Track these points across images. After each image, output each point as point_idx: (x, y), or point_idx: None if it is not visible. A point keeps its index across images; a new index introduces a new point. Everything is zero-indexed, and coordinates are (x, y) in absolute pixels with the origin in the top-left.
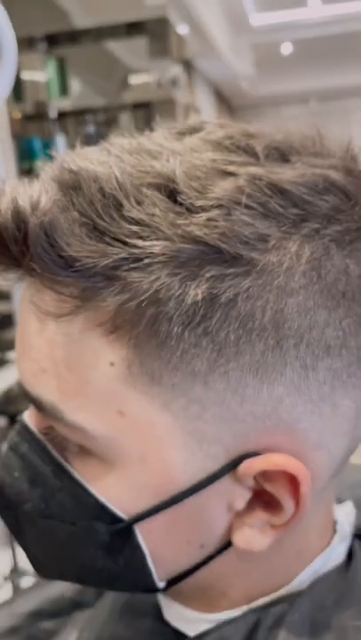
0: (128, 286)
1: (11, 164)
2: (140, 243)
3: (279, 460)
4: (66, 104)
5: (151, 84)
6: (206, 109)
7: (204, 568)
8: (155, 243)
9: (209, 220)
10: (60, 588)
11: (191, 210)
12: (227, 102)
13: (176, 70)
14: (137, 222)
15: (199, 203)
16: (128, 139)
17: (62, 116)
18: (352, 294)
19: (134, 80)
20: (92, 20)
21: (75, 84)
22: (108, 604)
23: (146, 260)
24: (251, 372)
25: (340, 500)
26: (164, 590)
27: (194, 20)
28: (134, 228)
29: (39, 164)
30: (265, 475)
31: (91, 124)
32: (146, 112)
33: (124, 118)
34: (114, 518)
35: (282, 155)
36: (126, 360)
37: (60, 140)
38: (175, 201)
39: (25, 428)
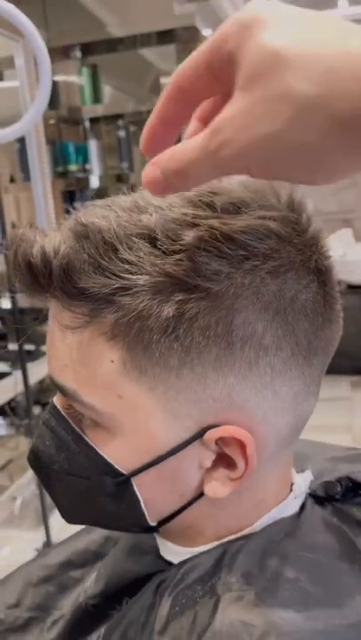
0: (121, 307)
1: (46, 168)
2: (129, 277)
3: (231, 430)
4: (98, 109)
5: None
6: None
7: (185, 512)
8: (140, 277)
9: (178, 260)
10: (86, 543)
11: (166, 253)
12: None
13: None
14: (128, 262)
15: (172, 248)
16: (126, 196)
17: (95, 121)
18: (284, 310)
19: (165, 81)
20: (125, 29)
21: (107, 90)
22: (119, 548)
23: (134, 289)
24: (210, 366)
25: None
26: (157, 530)
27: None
28: (126, 266)
29: (72, 167)
30: (223, 441)
31: (122, 128)
32: None
33: None
34: (117, 473)
35: (236, 208)
36: (122, 359)
37: (93, 145)
38: (155, 246)
39: (54, 408)
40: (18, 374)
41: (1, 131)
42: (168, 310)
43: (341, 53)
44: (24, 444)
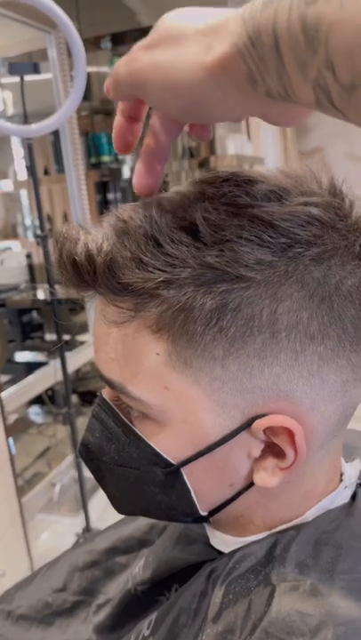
0: (165, 300)
1: (80, 160)
2: (172, 270)
3: (279, 419)
4: None
5: None
6: None
7: (235, 502)
8: (182, 269)
9: (220, 250)
10: (130, 530)
11: (207, 244)
12: None
13: None
14: (170, 255)
15: (213, 239)
16: (168, 192)
17: None
18: (329, 297)
19: None
20: (156, 18)
21: None
22: (167, 536)
23: (176, 282)
24: (255, 356)
25: None
26: (208, 520)
27: None
28: (168, 259)
29: (105, 158)
30: (271, 430)
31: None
32: None
33: None
34: (166, 463)
35: (277, 196)
36: (167, 351)
37: None
38: (196, 238)
39: (103, 401)
40: (54, 364)
41: (37, 125)
42: (211, 302)
43: (219, 18)
44: (62, 432)
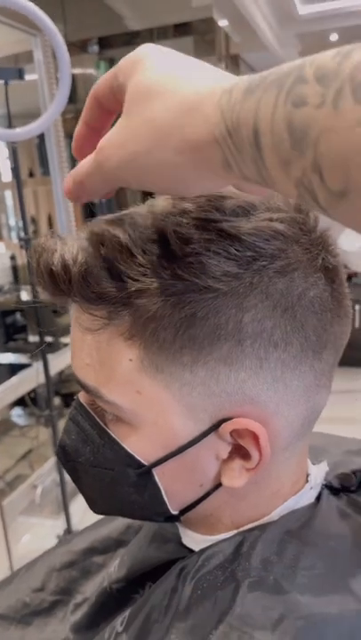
0: (137, 309)
1: (65, 162)
2: (144, 280)
3: (245, 422)
4: None
5: None
6: None
7: (205, 502)
8: (154, 280)
9: (189, 262)
10: (108, 530)
11: (178, 256)
12: None
13: (220, 68)
14: (142, 266)
15: (183, 251)
16: (141, 206)
17: None
18: (292, 307)
19: None
20: (143, 22)
21: None
22: (142, 535)
23: (148, 292)
24: (222, 362)
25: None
26: (179, 519)
27: (239, 14)
28: (140, 270)
29: None
30: (237, 432)
31: None
32: None
33: None
34: (139, 464)
35: (244, 211)
36: (139, 357)
37: None
38: (167, 250)
39: (79, 404)
40: (37, 366)
41: (22, 128)
42: (181, 311)
43: (194, 89)
44: (44, 434)
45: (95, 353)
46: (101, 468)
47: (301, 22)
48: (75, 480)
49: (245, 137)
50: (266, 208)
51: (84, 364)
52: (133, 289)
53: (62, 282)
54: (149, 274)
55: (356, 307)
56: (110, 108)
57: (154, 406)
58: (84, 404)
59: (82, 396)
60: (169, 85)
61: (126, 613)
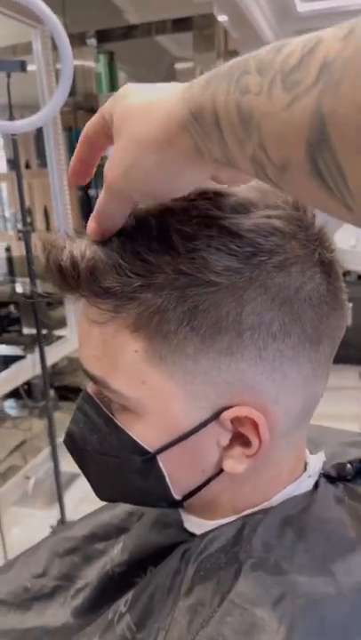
0: (142, 303)
1: (62, 155)
2: (148, 275)
3: (245, 410)
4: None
5: (196, 74)
6: None
7: (207, 487)
8: (158, 275)
9: (191, 259)
10: (108, 517)
11: (181, 253)
12: None
13: (219, 64)
14: (147, 262)
15: (185, 248)
16: (149, 206)
17: None
18: (290, 300)
19: (180, 67)
20: (142, 16)
21: (121, 77)
22: (144, 521)
23: (153, 286)
24: (223, 353)
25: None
26: (182, 505)
27: (239, 10)
28: (146, 266)
29: None
30: (238, 420)
31: None
32: None
33: None
34: (144, 451)
35: (244, 208)
36: (144, 348)
37: None
38: (171, 247)
39: (87, 394)
40: (32, 358)
41: (22, 121)
42: (184, 304)
43: (162, 100)
44: (37, 426)
45: (102, 345)
46: (108, 455)
47: (300, 19)
48: (81, 467)
49: (209, 121)
50: (265, 205)
51: (92, 355)
52: (138, 284)
53: (71, 277)
54: (154, 269)
55: (349, 304)
56: (100, 146)
57: (158, 395)
58: (92, 395)
59: (89, 387)
60: (142, 106)
61: (129, 595)
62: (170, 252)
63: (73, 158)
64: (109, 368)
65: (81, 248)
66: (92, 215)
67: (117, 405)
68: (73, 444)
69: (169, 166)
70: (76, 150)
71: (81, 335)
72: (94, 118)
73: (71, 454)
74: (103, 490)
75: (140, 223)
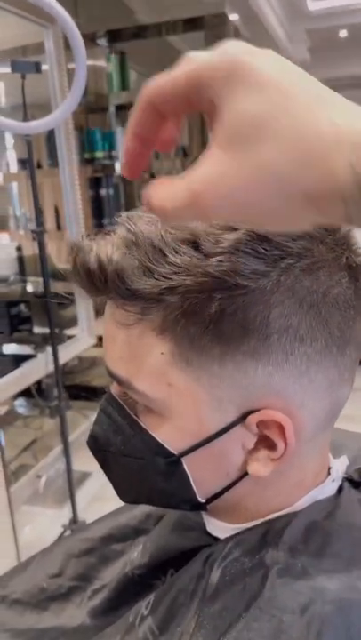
0: (169, 306)
1: (73, 155)
2: (176, 278)
3: (271, 413)
4: (124, 96)
5: None
6: None
7: (231, 491)
8: (185, 278)
9: (219, 261)
10: (126, 519)
11: (208, 255)
12: None
13: None
14: (174, 265)
15: (213, 250)
16: None
17: (121, 108)
18: (317, 304)
19: None
20: (154, 16)
21: (132, 77)
22: (164, 524)
23: (179, 289)
24: (249, 356)
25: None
26: (205, 507)
27: (250, 9)
28: (173, 268)
29: (99, 154)
30: (263, 424)
31: None
32: None
33: None
34: (168, 454)
35: None
36: (170, 350)
37: (119, 132)
38: (198, 250)
39: (110, 396)
40: (42, 357)
41: (36, 122)
42: (211, 307)
43: (317, 134)
44: (48, 425)
45: (128, 346)
46: (132, 457)
47: (311, 18)
48: (105, 469)
49: None
50: None
51: (117, 357)
52: (166, 286)
53: (98, 280)
54: (181, 272)
55: None
56: (170, 113)
57: (184, 398)
58: (116, 397)
59: (113, 388)
60: (283, 120)
61: (151, 597)
62: (197, 256)
63: (127, 136)
64: (135, 370)
65: (108, 251)
66: (153, 197)
67: (142, 407)
68: (96, 446)
69: (301, 218)
70: (130, 123)
71: (107, 337)
72: (175, 79)
73: (94, 455)
74: (126, 491)
75: (168, 226)
